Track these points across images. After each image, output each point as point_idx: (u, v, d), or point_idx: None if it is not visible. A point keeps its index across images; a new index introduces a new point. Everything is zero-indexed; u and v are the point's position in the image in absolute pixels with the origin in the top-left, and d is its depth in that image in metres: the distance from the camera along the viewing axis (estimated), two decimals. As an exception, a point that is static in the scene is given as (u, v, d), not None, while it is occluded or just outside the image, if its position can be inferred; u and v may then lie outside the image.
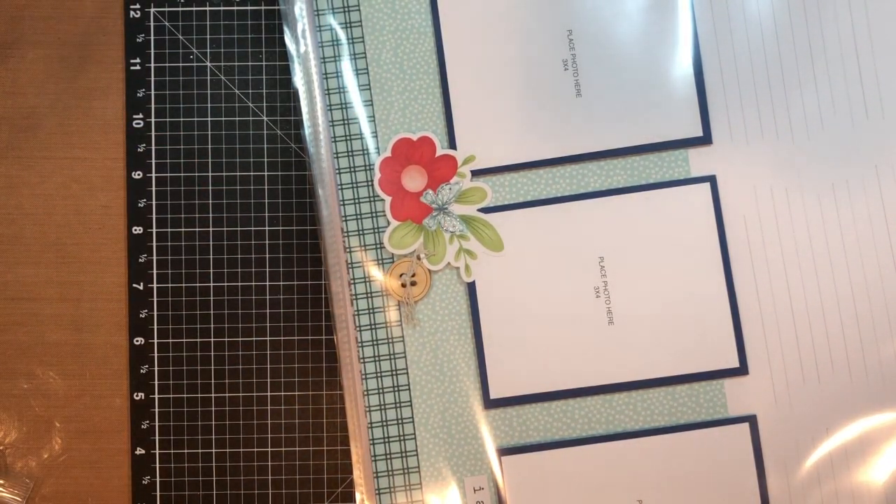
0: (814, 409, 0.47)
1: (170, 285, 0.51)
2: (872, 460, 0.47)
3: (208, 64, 0.51)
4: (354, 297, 0.49)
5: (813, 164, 0.48)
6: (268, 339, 0.51)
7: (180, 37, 0.52)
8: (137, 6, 0.52)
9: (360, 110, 0.49)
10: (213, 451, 0.50)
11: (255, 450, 0.50)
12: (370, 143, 0.49)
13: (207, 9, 0.52)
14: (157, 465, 0.50)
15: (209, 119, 0.51)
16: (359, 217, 0.49)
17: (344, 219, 0.49)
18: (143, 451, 0.50)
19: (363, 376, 0.48)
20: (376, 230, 0.49)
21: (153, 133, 0.51)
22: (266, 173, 0.51)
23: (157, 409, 0.51)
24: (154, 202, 0.51)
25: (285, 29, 0.49)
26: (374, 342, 0.48)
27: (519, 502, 0.48)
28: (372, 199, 0.49)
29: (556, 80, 0.49)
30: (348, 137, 0.49)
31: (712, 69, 0.48)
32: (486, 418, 0.48)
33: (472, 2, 0.49)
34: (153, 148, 0.51)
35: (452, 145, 0.49)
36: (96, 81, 0.52)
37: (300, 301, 0.51)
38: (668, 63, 0.48)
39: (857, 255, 0.48)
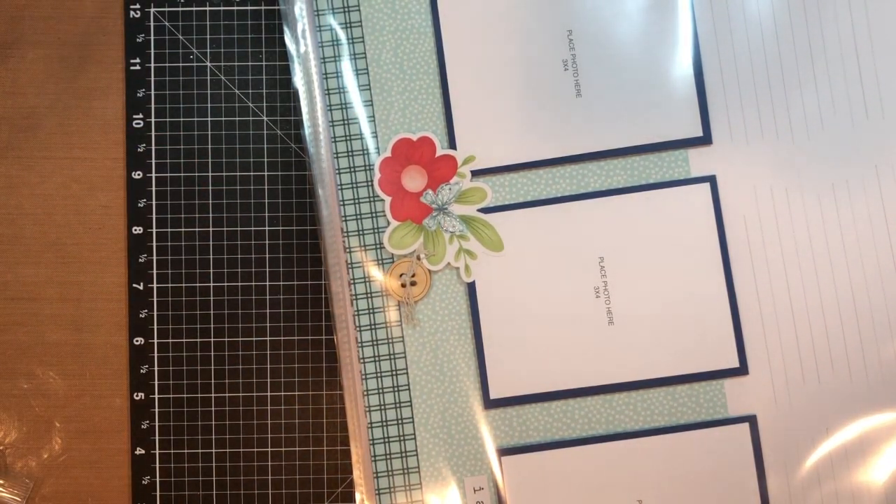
0: (814, 409, 0.47)
1: (170, 285, 0.51)
2: (872, 460, 0.47)
3: (208, 64, 0.51)
4: (354, 297, 0.49)
5: (813, 164, 0.48)
6: (268, 339, 0.51)
7: (180, 37, 0.52)
8: (137, 6, 0.52)
9: (360, 110, 0.49)
10: (213, 451, 0.50)
11: (255, 450, 0.50)
12: (370, 144, 0.49)
13: (207, 9, 0.52)
14: (157, 465, 0.50)
15: (209, 119, 0.51)
16: (359, 217, 0.49)
17: (344, 219, 0.49)
18: (143, 451, 0.50)
19: (363, 376, 0.48)
20: (376, 230, 0.49)
21: (153, 133, 0.51)
22: (266, 173, 0.51)
23: (157, 409, 0.51)
24: (154, 202, 0.51)
25: (285, 29, 0.49)
26: (374, 342, 0.48)
27: (519, 502, 0.48)
28: (372, 199, 0.49)
29: (556, 80, 0.49)
30: (348, 137, 0.49)
31: (712, 69, 0.48)
32: (486, 418, 0.48)
33: (472, 2, 0.49)
34: (153, 148, 0.51)
35: (452, 145, 0.49)
36: (96, 81, 0.52)
37: (300, 301, 0.51)
38: (668, 63, 0.48)
39: (857, 255, 0.48)
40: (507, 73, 0.49)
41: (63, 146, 0.52)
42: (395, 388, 0.48)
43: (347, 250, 0.49)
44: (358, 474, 0.48)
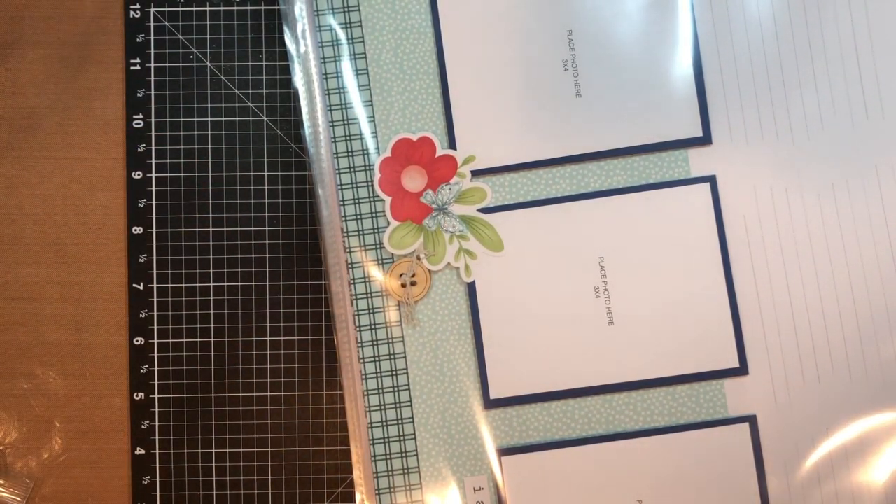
0: (814, 409, 0.47)
1: (170, 285, 0.51)
2: (872, 460, 0.47)
3: (208, 64, 0.51)
4: (354, 297, 0.49)
5: (813, 164, 0.48)
6: (268, 339, 0.51)
7: (180, 37, 0.52)
8: (137, 6, 0.52)
9: (360, 110, 0.49)
10: (213, 451, 0.50)
11: (255, 450, 0.50)
12: (370, 144, 0.49)
13: (207, 9, 0.52)
14: (157, 465, 0.50)
15: (209, 119, 0.51)
16: (359, 217, 0.49)
17: (344, 219, 0.49)
18: (143, 451, 0.50)
19: (363, 376, 0.48)
20: (376, 230, 0.49)
21: (153, 133, 0.51)
22: (266, 173, 0.51)
23: (157, 409, 0.51)
24: (154, 202, 0.51)
25: (285, 29, 0.49)
26: (374, 342, 0.48)
27: (519, 502, 0.48)
28: (372, 199, 0.49)
29: (556, 80, 0.49)
30: (348, 137, 0.49)
31: (712, 69, 0.48)
32: (486, 418, 0.48)
33: (472, 2, 0.49)
34: (153, 148, 0.51)
35: (452, 145, 0.49)
36: (96, 81, 0.52)
37: (300, 301, 0.51)
38: (668, 63, 0.48)
39: (857, 255, 0.48)
40: (507, 73, 0.49)
41: (63, 146, 0.52)
42: (395, 388, 0.48)
43: (347, 250, 0.49)
44: (358, 474, 0.48)
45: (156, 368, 0.51)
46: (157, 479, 0.50)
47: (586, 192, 0.48)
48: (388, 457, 0.48)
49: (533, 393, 0.48)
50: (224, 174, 0.51)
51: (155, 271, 0.51)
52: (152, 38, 0.52)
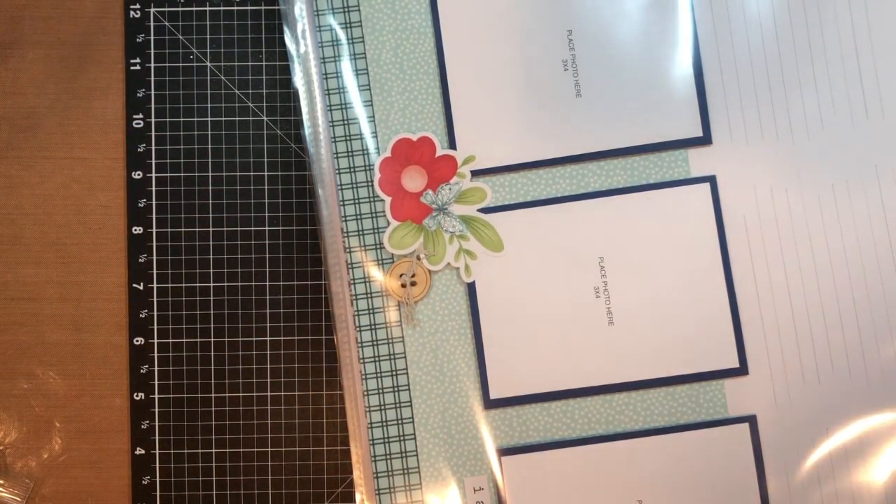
0: (814, 409, 0.47)
1: (170, 285, 0.51)
2: (872, 460, 0.47)
3: (208, 64, 0.51)
4: (354, 297, 0.49)
5: (813, 164, 0.48)
6: (268, 339, 0.51)
7: (180, 37, 0.52)
8: (137, 6, 0.52)
9: (360, 110, 0.49)
10: (213, 451, 0.50)
11: (255, 450, 0.50)
12: (370, 144, 0.49)
13: (207, 9, 0.52)
14: (157, 465, 0.50)
15: (209, 119, 0.51)
16: (359, 217, 0.49)
17: (344, 219, 0.49)
18: (143, 451, 0.50)
19: (363, 376, 0.48)
20: (376, 230, 0.49)
21: (153, 133, 0.51)
22: (266, 173, 0.51)
23: (157, 409, 0.51)
24: (154, 202, 0.51)
25: (285, 29, 0.49)
26: (374, 342, 0.48)
27: (519, 502, 0.48)
28: (372, 199, 0.49)
29: (556, 80, 0.49)
30: (348, 137, 0.49)
31: (712, 69, 0.48)
32: (486, 418, 0.48)
33: (472, 2, 0.49)
34: (153, 148, 0.51)
35: (452, 145, 0.49)
36: (96, 81, 0.52)
37: (300, 301, 0.51)
38: (668, 63, 0.48)
39: (857, 256, 0.48)
40: (507, 73, 0.49)
41: (63, 146, 0.52)
42: (395, 389, 0.48)
43: (347, 250, 0.49)
44: (358, 474, 0.48)
45: (156, 368, 0.51)
46: (157, 479, 0.50)
47: (586, 192, 0.48)
48: (388, 457, 0.48)
49: (533, 393, 0.48)
50: (224, 174, 0.51)
51: (155, 271, 0.51)
52: (152, 38, 0.52)
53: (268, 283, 0.51)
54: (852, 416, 0.47)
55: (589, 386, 0.48)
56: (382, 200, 0.49)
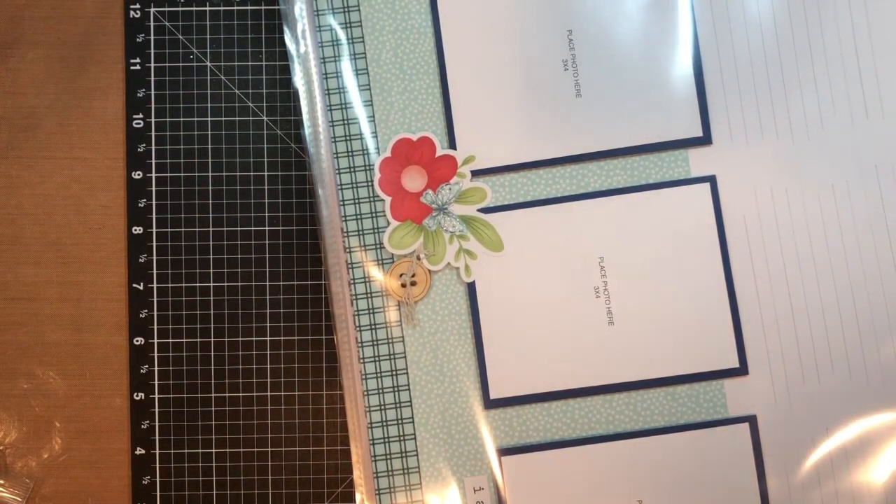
0: (814, 409, 0.47)
1: (170, 285, 0.51)
2: (872, 460, 0.47)
3: (208, 64, 0.51)
4: (354, 297, 0.49)
5: (813, 164, 0.48)
6: (268, 339, 0.51)
7: (180, 37, 0.52)
8: (137, 6, 0.52)
9: (360, 110, 0.49)
10: (213, 451, 0.50)
11: (255, 450, 0.50)
12: (370, 144, 0.49)
13: (207, 9, 0.52)
14: (157, 465, 0.50)
15: (209, 119, 0.51)
16: (359, 217, 0.49)
17: (344, 219, 0.49)
18: (143, 451, 0.50)
19: (363, 376, 0.48)
20: (376, 230, 0.49)
21: (153, 133, 0.51)
22: (266, 173, 0.51)
23: (157, 409, 0.51)
24: (154, 202, 0.51)
25: (285, 29, 0.49)
26: (374, 342, 0.48)
27: (519, 502, 0.48)
28: (372, 199, 0.49)
29: (556, 80, 0.49)
30: (348, 137, 0.49)
31: (712, 69, 0.48)
32: (485, 418, 0.48)
33: (472, 2, 0.49)
34: (153, 148, 0.51)
35: (452, 145, 0.49)
36: (96, 81, 0.52)
37: (300, 301, 0.51)
38: (668, 63, 0.48)
39: (856, 255, 0.48)
40: (507, 73, 0.49)
41: (63, 146, 0.52)
42: (395, 388, 0.48)
43: (347, 250, 0.49)
44: (358, 474, 0.48)
45: (156, 368, 0.51)
46: (157, 479, 0.50)
47: (586, 192, 0.48)
48: (388, 457, 0.48)
49: (533, 393, 0.48)
50: (224, 174, 0.51)
51: (155, 271, 0.51)
52: (152, 38, 0.52)
53: (268, 283, 0.51)
54: (852, 416, 0.47)
55: (589, 386, 0.48)
56: (382, 200, 0.49)
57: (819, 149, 0.48)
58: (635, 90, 0.48)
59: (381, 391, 0.48)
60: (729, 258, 0.48)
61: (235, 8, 0.52)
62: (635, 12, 0.48)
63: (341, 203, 0.49)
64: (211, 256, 0.51)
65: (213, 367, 0.51)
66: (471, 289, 0.48)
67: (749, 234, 0.48)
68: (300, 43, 0.49)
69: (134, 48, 0.52)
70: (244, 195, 0.51)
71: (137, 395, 0.51)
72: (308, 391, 0.50)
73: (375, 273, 0.49)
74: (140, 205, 0.51)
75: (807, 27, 0.48)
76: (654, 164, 0.48)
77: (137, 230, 0.51)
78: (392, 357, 0.48)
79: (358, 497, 0.48)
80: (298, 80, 0.49)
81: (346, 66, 0.49)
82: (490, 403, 0.48)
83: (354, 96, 0.49)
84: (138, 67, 0.51)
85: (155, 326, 0.51)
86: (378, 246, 0.49)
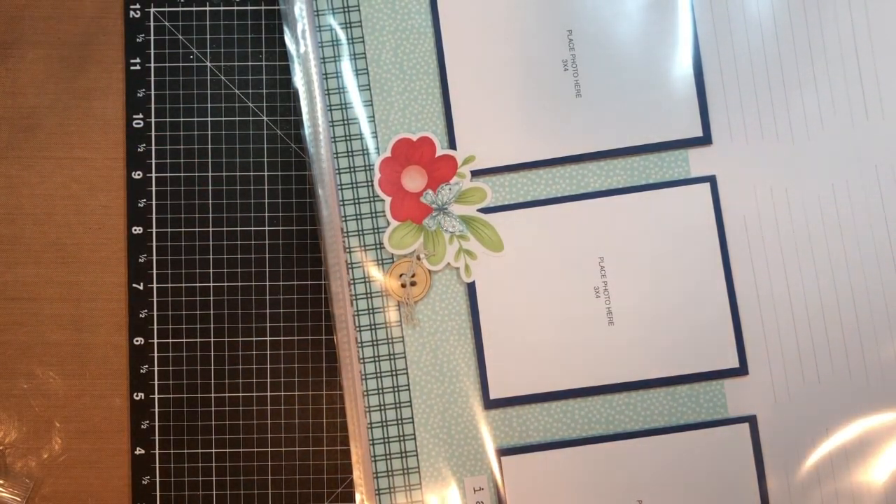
0: (814, 409, 0.47)
1: (170, 285, 0.51)
2: (872, 460, 0.47)
3: (208, 64, 0.51)
4: (354, 297, 0.49)
5: (813, 164, 0.48)
6: (268, 339, 0.51)
7: (180, 37, 0.52)
8: (137, 6, 0.52)
9: (360, 110, 0.49)
10: (213, 451, 0.50)
11: (255, 450, 0.50)
12: (370, 144, 0.49)
13: (207, 9, 0.52)
14: (157, 465, 0.50)
15: (209, 119, 0.51)
16: (359, 217, 0.49)
17: (344, 219, 0.49)
18: (143, 451, 0.50)
19: (363, 376, 0.48)
20: (376, 230, 0.49)
21: (153, 133, 0.51)
22: (266, 173, 0.51)
23: (157, 409, 0.51)
24: (154, 202, 0.51)
25: (285, 29, 0.49)
26: (374, 342, 0.48)
27: (519, 502, 0.48)
28: (372, 199, 0.49)
29: (556, 80, 0.49)
30: (348, 137, 0.49)
31: (712, 69, 0.48)
32: (485, 418, 0.48)
33: (472, 2, 0.49)
34: (153, 148, 0.51)
35: (452, 145, 0.49)
36: (96, 81, 0.52)
37: (300, 301, 0.51)
38: (668, 63, 0.48)
39: (856, 256, 0.48)
40: (507, 73, 0.49)
41: (63, 146, 0.52)
42: (395, 389, 0.48)
43: (347, 250, 0.49)
44: (358, 474, 0.48)
45: (156, 368, 0.51)
46: (157, 479, 0.50)
47: (586, 192, 0.48)
48: (388, 457, 0.48)
49: (533, 393, 0.48)
50: (224, 174, 0.51)
51: (155, 271, 0.51)
52: (152, 38, 0.52)
53: (268, 283, 0.51)
54: (852, 416, 0.47)
55: (589, 386, 0.48)
56: (382, 200, 0.49)
57: (819, 149, 0.48)
58: (635, 90, 0.48)
59: (380, 391, 0.48)
60: (729, 258, 0.48)
61: (235, 8, 0.52)
62: (635, 12, 0.48)
63: (341, 203, 0.49)
64: (211, 256, 0.51)
65: (213, 367, 0.51)
66: (471, 289, 0.48)
67: (749, 234, 0.48)
68: (300, 43, 0.49)
69: (134, 48, 0.52)
70: (244, 195, 0.51)
71: (137, 395, 0.51)
72: (308, 391, 0.50)
73: (375, 273, 0.49)
74: (140, 205, 0.51)
75: (807, 27, 0.48)
76: (654, 165, 0.48)
77: (137, 230, 0.51)
78: (392, 357, 0.48)
79: (358, 497, 0.48)
80: (298, 80, 0.49)
81: (346, 66, 0.49)
82: (490, 403, 0.48)
83: (354, 96, 0.49)
84: (138, 67, 0.51)
85: (155, 326, 0.51)
86: (378, 246, 0.49)
